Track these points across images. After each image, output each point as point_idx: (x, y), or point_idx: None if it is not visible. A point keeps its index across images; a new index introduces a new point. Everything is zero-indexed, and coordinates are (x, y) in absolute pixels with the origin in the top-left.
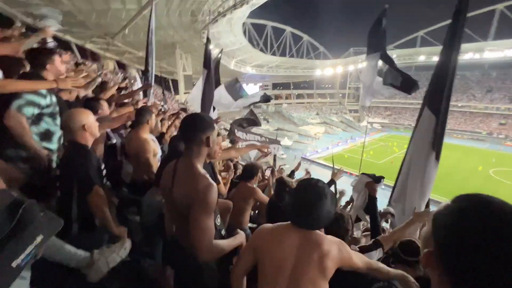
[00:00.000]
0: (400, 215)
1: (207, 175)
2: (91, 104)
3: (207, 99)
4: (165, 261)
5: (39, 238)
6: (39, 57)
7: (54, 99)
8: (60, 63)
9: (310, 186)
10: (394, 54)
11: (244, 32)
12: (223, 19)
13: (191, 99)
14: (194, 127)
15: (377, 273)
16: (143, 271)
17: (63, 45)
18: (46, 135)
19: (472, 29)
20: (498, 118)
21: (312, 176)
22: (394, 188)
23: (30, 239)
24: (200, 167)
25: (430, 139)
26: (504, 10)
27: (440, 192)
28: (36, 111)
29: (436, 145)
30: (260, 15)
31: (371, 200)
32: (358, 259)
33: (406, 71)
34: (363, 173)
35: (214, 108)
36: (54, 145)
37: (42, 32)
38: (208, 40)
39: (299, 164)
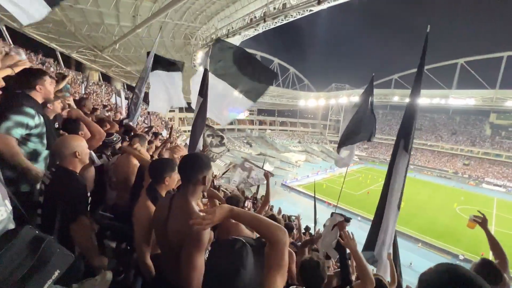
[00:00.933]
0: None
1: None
2: (70, 125)
3: (198, 129)
4: None
5: (56, 273)
6: (30, 78)
7: (42, 119)
8: (49, 84)
9: (223, 255)
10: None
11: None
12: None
13: (155, 103)
14: (193, 168)
15: None
16: None
17: (47, 52)
18: (33, 155)
19: (439, 78)
20: (462, 159)
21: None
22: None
23: (49, 274)
24: (195, 205)
25: (402, 182)
26: (464, 64)
27: (412, 226)
28: (24, 132)
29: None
30: (250, 45)
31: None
32: None
33: (382, 109)
34: (334, 212)
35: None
36: (40, 165)
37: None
38: (206, 70)
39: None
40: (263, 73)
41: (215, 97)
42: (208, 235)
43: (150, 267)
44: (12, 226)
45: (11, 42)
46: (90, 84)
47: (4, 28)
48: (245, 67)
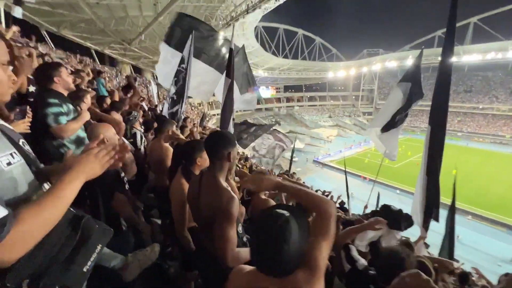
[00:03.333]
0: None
1: (229, 188)
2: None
3: (227, 111)
4: (186, 264)
5: (99, 247)
6: (47, 72)
7: (70, 106)
8: (67, 75)
9: (267, 228)
10: (410, 55)
11: (256, 36)
12: (235, 23)
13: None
14: (218, 144)
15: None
16: (165, 272)
17: (84, 51)
18: (78, 142)
19: (494, 28)
20: None
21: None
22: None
23: (93, 248)
24: (222, 181)
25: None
26: None
27: (460, 198)
28: (66, 118)
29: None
30: (272, 19)
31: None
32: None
33: (424, 72)
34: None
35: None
36: None
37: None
38: (231, 50)
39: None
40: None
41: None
42: (237, 208)
43: (188, 239)
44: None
45: (53, 46)
46: (123, 77)
47: (45, 33)
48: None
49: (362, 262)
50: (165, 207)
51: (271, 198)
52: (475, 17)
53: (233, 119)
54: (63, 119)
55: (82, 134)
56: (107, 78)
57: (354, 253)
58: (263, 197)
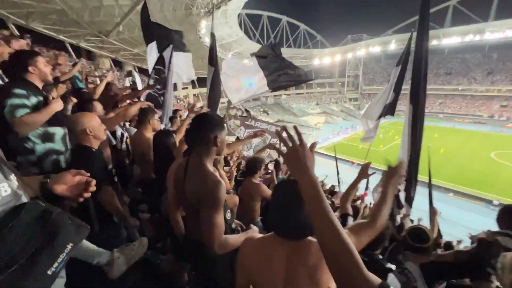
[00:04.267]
0: None
1: (216, 173)
2: (83, 106)
3: (214, 98)
4: (178, 256)
5: (69, 246)
6: (21, 60)
7: (40, 98)
8: (44, 65)
9: (286, 189)
10: (393, 39)
11: (240, 24)
12: (217, 11)
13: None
14: (204, 127)
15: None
16: (157, 267)
17: (58, 45)
18: (47, 137)
19: (473, 11)
20: (499, 100)
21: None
22: None
23: (61, 248)
24: (209, 166)
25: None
26: None
27: (442, 177)
28: (27, 111)
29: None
30: (255, 6)
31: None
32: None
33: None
34: None
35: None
36: (58, 145)
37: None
38: (212, 35)
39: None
40: (297, 71)
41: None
42: (224, 193)
43: (179, 223)
44: (25, 200)
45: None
46: (104, 71)
47: (13, 26)
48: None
49: None
50: (154, 200)
51: (267, 184)
52: (454, 0)
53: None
54: (21, 112)
55: (52, 130)
56: (83, 71)
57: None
58: (254, 181)
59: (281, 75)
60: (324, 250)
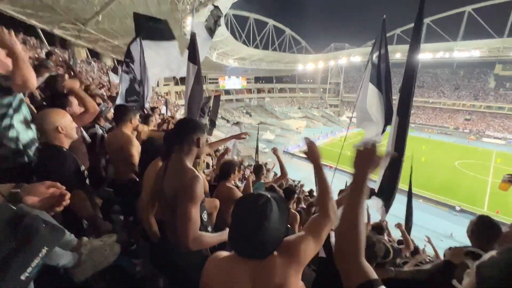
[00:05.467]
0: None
1: (195, 170)
2: (58, 101)
3: (196, 100)
4: (153, 262)
5: (44, 250)
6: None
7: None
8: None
9: (246, 206)
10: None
11: (226, 24)
12: (204, 9)
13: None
14: (187, 129)
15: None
16: (130, 271)
17: (28, 30)
18: (27, 124)
19: (444, 30)
20: (464, 114)
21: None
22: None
23: (35, 252)
24: (189, 164)
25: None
26: (471, 12)
27: (413, 183)
28: None
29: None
30: (242, 7)
31: None
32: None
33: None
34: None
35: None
36: (35, 133)
37: None
38: (193, 34)
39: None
40: None
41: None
42: (201, 188)
43: (153, 227)
44: None
45: (47, 44)
46: (78, 62)
47: None
48: None
49: None
50: (127, 201)
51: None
52: (428, 19)
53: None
54: None
55: (28, 115)
56: (57, 61)
57: (332, 239)
58: (228, 185)
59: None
60: (342, 233)
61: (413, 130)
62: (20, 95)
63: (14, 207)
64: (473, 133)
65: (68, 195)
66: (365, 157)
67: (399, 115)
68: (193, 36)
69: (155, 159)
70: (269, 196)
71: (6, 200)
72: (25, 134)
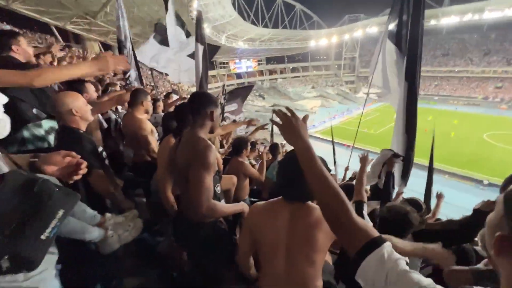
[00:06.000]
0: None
1: (208, 140)
2: (74, 86)
3: (204, 75)
4: (176, 238)
5: (60, 212)
6: (2, 39)
7: None
8: (26, 45)
9: (292, 158)
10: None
11: (233, 4)
12: None
13: (184, 73)
14: (201, 102)
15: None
16: (155, 248)
17: (43, 28)
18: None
19: None
20: (494, 82)
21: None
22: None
23: (52, 214)
24: (203, 136)
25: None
26: None
27: (437, 158)
28: None
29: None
30: None
31: (388, 175)
32: None
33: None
34: (385, 149)
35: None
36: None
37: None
38: (199, 12)
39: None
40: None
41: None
42: (214, 157)
43: (170, 200)
44: (5, 169)
45: (61, 40)
46: (93, 55)
47: None
48: None
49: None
50: (147, 183)
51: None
52: None
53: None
54: None
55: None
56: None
57: (364, 212)
58: (240, 159)
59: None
60: (320, 203)
61: (435, 103)
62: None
63: (24, 173)
64: (504, 102)
65: (85, 163)
66: (288, 128)
67: (407, 80)
68: (199, 15)
69: (167, 135)
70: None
71: (27, 170)
72: (47, 123)
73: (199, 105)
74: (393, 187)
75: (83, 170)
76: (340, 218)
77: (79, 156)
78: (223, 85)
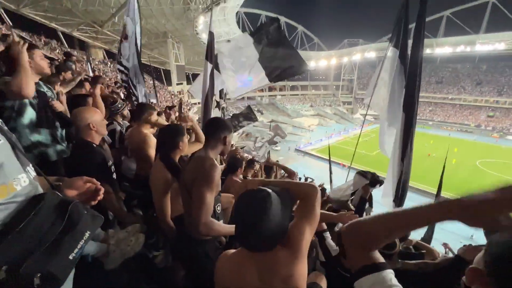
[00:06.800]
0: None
1: (215, 160)
2: (78, 100)
3: (210, 93)
4: (172, 253)
5: (87, 234)
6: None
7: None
8: (41, 58)
9: (248, 201)
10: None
11: (238, 22)
12: (216, 8)
13: (194, 92)
14: (217, 126)
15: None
16: (151, 262)
17: (49, 33)
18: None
19: (465, 22)
20: (486, 111)
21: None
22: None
23: (80, 235)
24: (212, 156)
25: (399, 137)
26: (496, 2)
27: (429, 183)
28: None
29: (403, 143)
30: (253, 4)
31: (362, 201)
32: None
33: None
34: (360, 172)
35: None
36: (46, 137)
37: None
38: (212, 34)
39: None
40: (295, 60)
41: (235, 64)
42: (219, 176)
43: (171, 225)
44: (41, 191)
45: (10, 23)
46: (96, 62)
47: (2, 11)
48: (279, 47)
49: (335, 249)
50: (147, 196)
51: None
52: (448, 11)
53: (223, 108)
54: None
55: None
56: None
57: (329, 240)
58: (235, 179)
59: (276, 64)
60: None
61: (430, 128)
62: (26, 100)
63: (60, 194)
64: (496, 131)
65: (102, 190)
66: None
67: (405, 111)
68: (211, 37)
69: (155, 163)
70: (269, 191)
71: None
72: (27, 137)
73: (215, 129)
74: (366, 213)
75: (101, 196)
76: (373, 242)
77: (99, 183)
78: (224, 94)
